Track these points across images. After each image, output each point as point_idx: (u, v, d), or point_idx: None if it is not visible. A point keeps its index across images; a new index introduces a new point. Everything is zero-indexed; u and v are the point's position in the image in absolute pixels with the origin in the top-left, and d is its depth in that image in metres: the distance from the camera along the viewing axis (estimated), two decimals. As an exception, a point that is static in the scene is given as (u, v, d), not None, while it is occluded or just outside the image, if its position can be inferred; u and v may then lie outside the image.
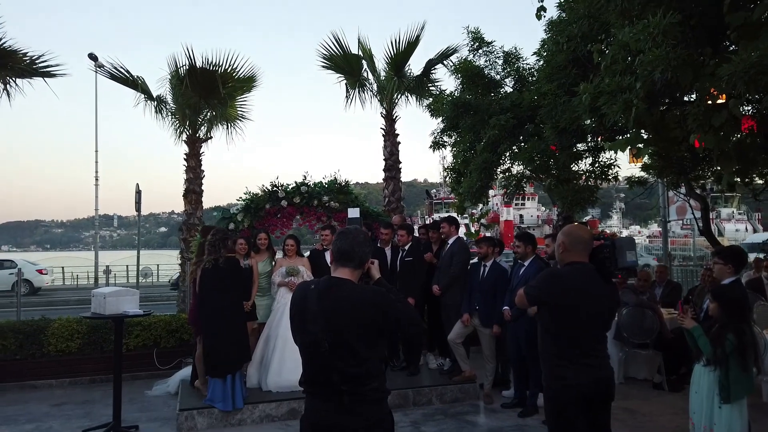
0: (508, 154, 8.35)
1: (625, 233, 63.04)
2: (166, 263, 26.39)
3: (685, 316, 4.15)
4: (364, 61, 11.04)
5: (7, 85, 8.62)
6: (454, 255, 6.71)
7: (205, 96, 9.74)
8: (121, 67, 9.87)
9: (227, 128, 10.73)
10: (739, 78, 3.77)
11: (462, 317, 6.37)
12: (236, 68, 9.84)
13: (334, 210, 8.22)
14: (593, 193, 8.18)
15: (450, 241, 6.90)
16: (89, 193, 24.06)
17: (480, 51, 8.69)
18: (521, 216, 63.41)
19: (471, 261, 6.82)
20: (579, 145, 7.69)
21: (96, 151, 23.84)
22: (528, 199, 63.45)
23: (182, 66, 9.48)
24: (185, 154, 10.18)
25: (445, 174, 10.04)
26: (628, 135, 5.50)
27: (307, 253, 7.38)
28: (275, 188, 8.06)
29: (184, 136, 10.25)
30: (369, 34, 12.19)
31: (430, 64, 10.95)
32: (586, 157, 8.08)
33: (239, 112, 10.84)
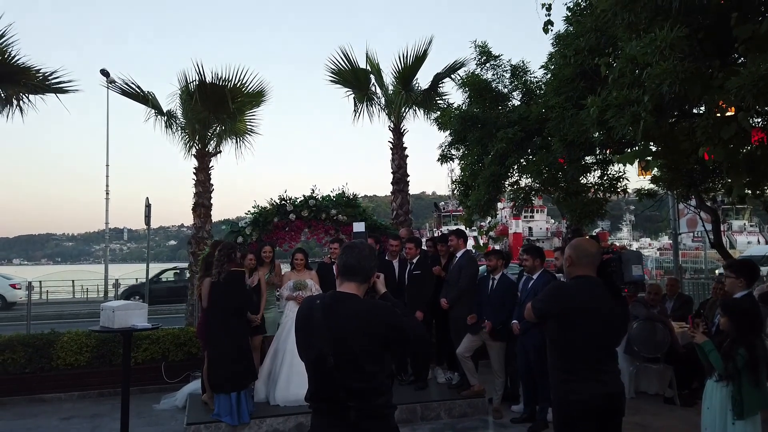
0: (516, 167, 8.35)
1: (635, 246, 62.62)
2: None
3: (695, 331, 4.10)
4: (372, 75, 11.09)
5: (20, 101, 8.74)
6: (463, 268, 6.69)
7: (215, 111, 9.82)
8: (132, 83, 9.99)
9: (236, 142, 10.79)
10: (747, 90, 3.76)
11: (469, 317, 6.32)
12: (245, 83, 9.92)
13: (342, 223, 8.23)
14: (602, 206, 8.14)
15: (458, 255, 6.88)
16: (100, 206, 24.21)
17: (487, 65, 8.72)
18: (530, 229, 63.21)
19: (480, 274, 6.80)
20: (587, 158, 7.68)
21: (107, 165, 24.02)
22: (537, 211, 63.25)
23: (192, 81, 9.57)
24: (194, 168, 10.24)
25: (453, 187, 10.03)
26: (637, 148, 5.48)
27: (315, 267, 7.39)
28: (283, 202, 8.09)
29: (194, 151, 10.31)
30: (377, 48, 12.33)
31: (438, 78, 10.99)
32: (594, 170, 8.05)
33: (248, 127, 10.90)
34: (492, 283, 6.43)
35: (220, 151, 10.49)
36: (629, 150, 6.36)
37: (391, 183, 10.99)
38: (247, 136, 10.92)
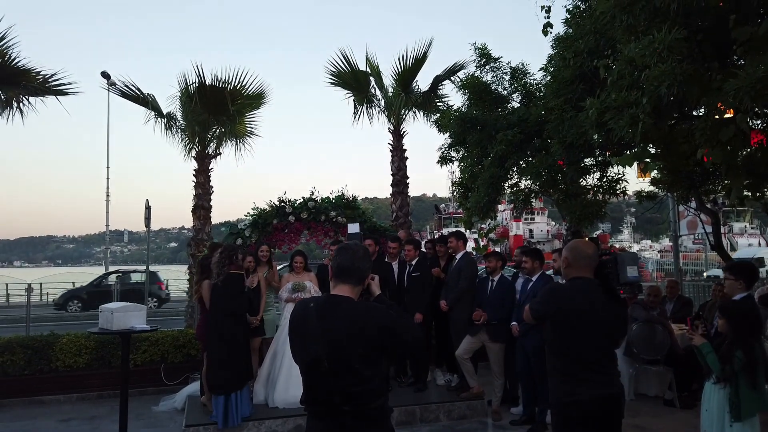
0: (515, 169, 8.36)
1: (635, 248, 62.65)
2: (176, 278, 26.45)
3: (694, 333, 4.10)
4: (371, 78, 11.10)
5: (21, 103, 8.75)
6: (462, 270, 6.69)
7: (215, 113, 9.83)
8: (132, 85, 10.01)
9: (236, 144, 10.81)
10: (745, 92, 3.76)
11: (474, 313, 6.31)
12: (245, 85, 9.93)
13: (341, 225, 8.22)
14: (601, 208, 8.15)
15: (458, 256, 6.89)
16: (100, 209, 24.24)
17: (487, 67, 8.76)
18: (531, 231, 63.16)
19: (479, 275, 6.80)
20: (586, 160, 7.69)
21: (108, 167, 24.06)
22: (537, 213, 63.20)
23: (192, 83, 9.59)
24: (194, 170, 10.25)
25: (453, 189, 10.04)
26: (636, 150, 5.49)
27: (314, 269, 7.38)
28: (283, 204, 8.09)
29: (194, 153, 10.32)
30: (376, 50, 12.31)
31: (438, 80, 10.99)
32: (593, 172, 8.07)
33: (248, 129, 10.92)
34: (491, 285, 6.44)
35: (220, 153, 10.51)
36: (628, 152, 6.38)
37: (391, 185, 10.99)
38: (247, 138, 10.93)
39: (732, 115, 4.31)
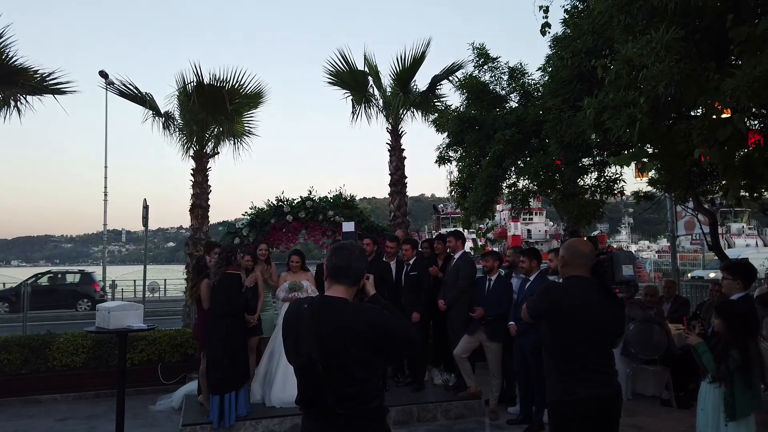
0: (513, 168, 8.35)
1: (633, 248, 62.70)
2: (174, 278, 26.43)
3: (690, 333, 4.11)
4: (370, 77, 11.11)
5: (18, 102, 8.73)
6: (460, 270, 6.69)
7: (213, 112, 9.83)
8: (130, 84, 10.01)
9: (234, 144, 10.81)
10: (742, 92, 3.76)
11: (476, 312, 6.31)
12: (243, 84, 9.94)
13: (339, 225, 8.22)
14: (599, 208, 8.14)
15: (456, 256, 6.89)
16: (98, 208, 24.30)
17: (485, 67, 8.74)
18: (529, 231, 63.25)
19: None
20: (584, 160, 7.68)
21: (105, 166, 24.05)
22: (536, 214, 63.28)
23: (190, 82, 9.59)
24: (192, 169, 10.25)
25: (451, 189, 10.04)
26: (633, 150, 5.49)
27: (313, 269, 7.38)
28: (280, 203, 8.09)
29: (192, 152, 10.33)
30: (375, 50, 12.33)
31: (436, 80, 11.01)
32: (591, 172, 8.06)
33: (246, 128, 10.92)
34: (488, 284, 6.44)
35: (218, 153, 10.52)
36: (626, 152, 6.38)
37: (389, 185, 11.01)
38: (245, 137, 10.94)
39: (729, 115, 4.31)
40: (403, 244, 7.19)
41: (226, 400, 5.72)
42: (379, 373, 2.57)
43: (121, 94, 10.16)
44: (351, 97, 11.36)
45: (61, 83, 8.88)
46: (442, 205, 69.63)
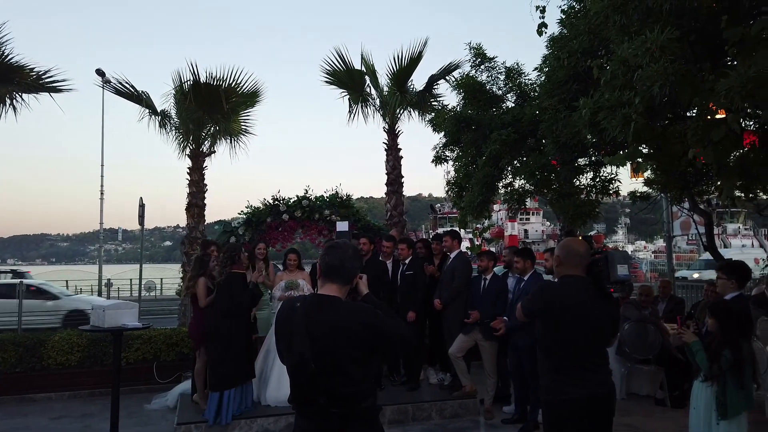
0: (509, 168, 8.37)
1: (630, 248, 62.82)
2: (170, 277, 26.37)
3: (685, 331, 4.12)
4: (366, 77, 11.10)
5: (14, 100, 8.71)
6: (456, 269, 6.69)
7: (209, 111, 9.80)
8: (127, 83, 9.99)
9: (231, 143, 10.79)
10: (736, 92, 3.77)
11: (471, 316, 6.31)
12: (240, 83, 9.92)
13: (335, 224, 8.22)
14: (595, 208, 8.16)
15: (452, 255, 6.89)
16: (95, 207, 24.24)
17: (482, 66, 8.75)
18: (526, 231, 63.34)
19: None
20: (580, 160, 7.70)
21: (102, 165, 23.93)
22: (532, 214, 63.42)
23: (186, 81, 9.56)
24: (188, 168, 10.22)
25: (448, 188, 10.04)
26: (628, 150, 5.50)
27: (308, 268, 7.37)
28: (276, 202, 8.09)
29: (188, 151, 10.29)
30: (372, 49, 12.33)
31: (433, 80, 11.01)
32: (587, 172, 8.08)
33: (243, 127, 10.90)
34: (483, 283, 6.45)
35: (215, 152, 10.49)
36: (621, 152, 6.39)
37: (386, 184, 11.00)
38: (242, 136, 10.92)
39: (723, 116, 4.33)
40: (399, 244, 7.20)
41: (225, 397, 5.72)
42: (373, 372, 2.57)
43: (118, 92, 10.13)
44: (348, 96, 11.35)
45: (57, 81, 8.88)
46: (438, 204, 69.69)
